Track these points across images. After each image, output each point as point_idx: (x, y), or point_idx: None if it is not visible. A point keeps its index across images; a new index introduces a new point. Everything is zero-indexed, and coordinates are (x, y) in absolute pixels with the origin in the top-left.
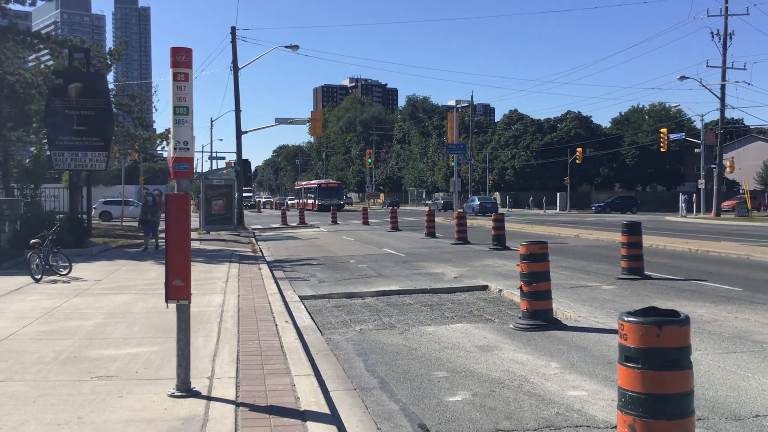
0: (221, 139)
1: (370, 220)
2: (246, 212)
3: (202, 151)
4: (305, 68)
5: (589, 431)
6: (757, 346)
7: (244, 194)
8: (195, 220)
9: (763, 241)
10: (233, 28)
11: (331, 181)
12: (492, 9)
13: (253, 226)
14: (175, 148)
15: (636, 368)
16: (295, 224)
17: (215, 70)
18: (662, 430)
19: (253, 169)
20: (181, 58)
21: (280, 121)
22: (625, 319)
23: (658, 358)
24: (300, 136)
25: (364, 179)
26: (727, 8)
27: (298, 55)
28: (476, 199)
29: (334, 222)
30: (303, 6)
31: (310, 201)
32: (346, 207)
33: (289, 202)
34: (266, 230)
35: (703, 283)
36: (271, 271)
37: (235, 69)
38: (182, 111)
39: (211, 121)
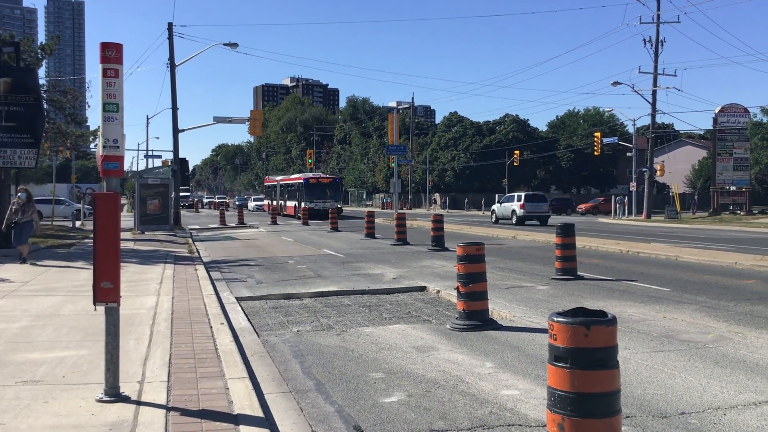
0: (158, 137)
1: (310, 221)
2: (183, 212)
3: (138, 150)
4: (245, 67)
5: (521, 430)
6: (684, 345)
7: (182, 194)
8: (130, 220)
9: (691, 243)
10: (170, 24)
11: (322, 175)
12: (432, 12)
13: (190, 227)
14: (104, 146)
15: (565, 368)
16: (233, 224)
17: (152, 66)
18: (590, 429)
19: (191, 168)
20: (111, 54)
21: (218, 120)
22: (555, 319)
23: (586, 357)
24: (240, 136)
25: None
26: (659, 16)
27: (238, 53)
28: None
29: (274, 222)
30: (243, 4)
31: (291, 203)
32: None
33: (254, 204)
34: (204, 230)
35: (633, 283)
36: (208, 272)
37: (172, 66)
38: (112, 108)
39: (147, 119)
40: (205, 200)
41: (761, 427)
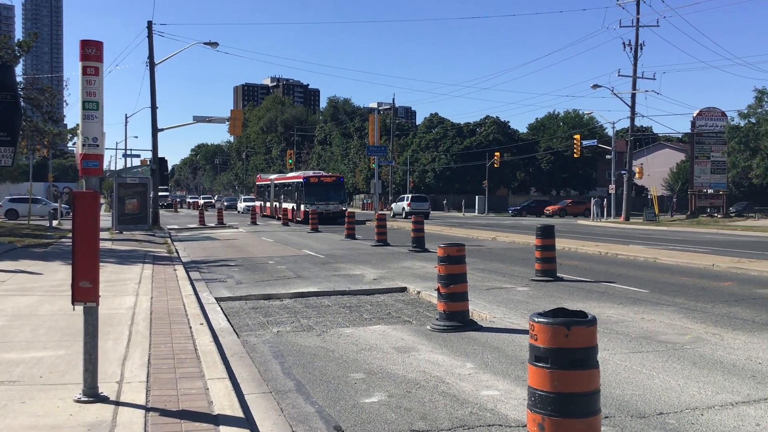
0: (136, 137)
1: (289, 221)
2: (162, 212)
3: (116, 149)
4: (225, 67)
5: (501, 430)
6: (662, 346)
7: (161, 193)
8: (108, 220)
9: (669, 245)
10: (150, 23)
11: (324, 173)
12: (413, 14)
13: (169, 226)
14: (83, 144)
15: (545, 368)
16: (213, 225)
17: (131, 65)
18: (570, 428)
19: (170, 167)
20: (92, 52)
21: (198, 119)
22: (536, 320)
23: (567, 357)
24: (219, 135)
25: None
26: (638, 20)
27: (218, 52)
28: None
29: (254, 223)
30: (224, 3)
31: (287, 205)
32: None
33: (244, 205)
34: (183, 230)
35: (612, 284)
36: (187, 272)
37: (151, 64)
38: (92, 106)
39: (126, 118)
40: (188, 200)
41: (738, 427)
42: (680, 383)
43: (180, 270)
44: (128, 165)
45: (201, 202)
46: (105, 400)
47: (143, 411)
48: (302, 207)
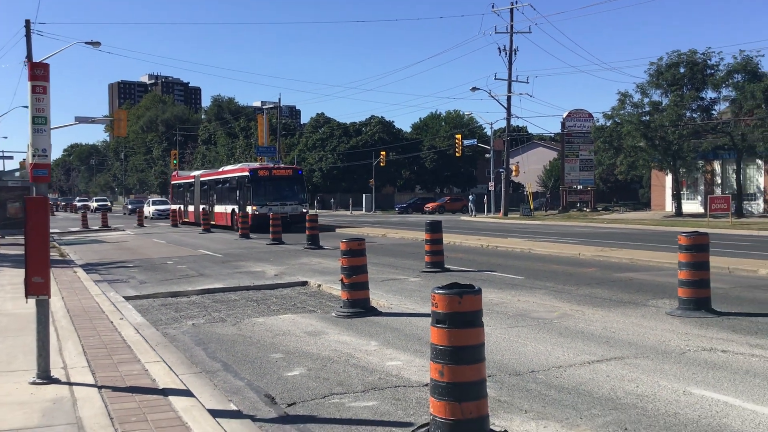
0: (6, 137)
1: (179, 223)
2: None
3: None
4: (99, 64)
5: (405, 389)
6: (534, 322)
7: None
8: None
9: (542, 237)
10: (28, 21)
11: (275, 165)
12: (294, 16)
13: (50, 230)
14: (34, 155)
15: (444, 327)
16: (97, 227)
17: (5, 65)
18: (462, 373)
19: None
20: (40, 72)
21: (81, 120)
22: (436, 291)
23: (460, 319)
24: (95, 135)
25: (167, 181)
26: (512, 26)
27: (98, 50)
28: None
29: (141, 225)
30: (103, 1)
31: (223, 208)
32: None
33: (154, 210)
34: (66, 234)
35: (493, 273)
36: (87, 274)
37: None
38: (41, 121)
39: None
40: (78, 203)
41: (592, 379)
42: (548, 349)
43: (80, 272)
44: (1, 168)
45: (93, 204)
46: (58, 381)
47: (96, 388)
48: (249, 209)
